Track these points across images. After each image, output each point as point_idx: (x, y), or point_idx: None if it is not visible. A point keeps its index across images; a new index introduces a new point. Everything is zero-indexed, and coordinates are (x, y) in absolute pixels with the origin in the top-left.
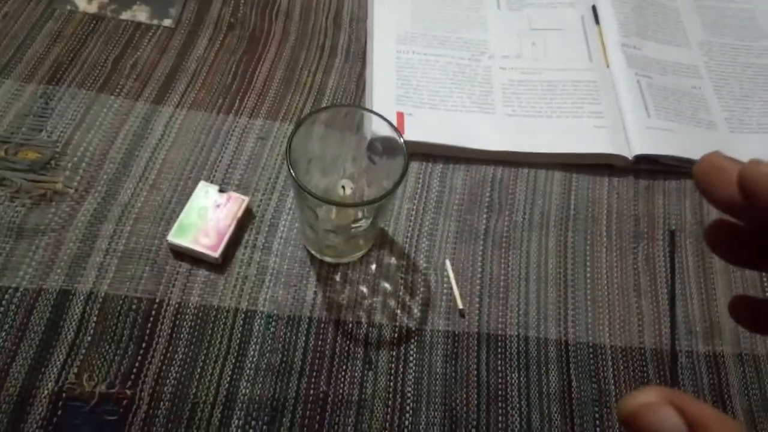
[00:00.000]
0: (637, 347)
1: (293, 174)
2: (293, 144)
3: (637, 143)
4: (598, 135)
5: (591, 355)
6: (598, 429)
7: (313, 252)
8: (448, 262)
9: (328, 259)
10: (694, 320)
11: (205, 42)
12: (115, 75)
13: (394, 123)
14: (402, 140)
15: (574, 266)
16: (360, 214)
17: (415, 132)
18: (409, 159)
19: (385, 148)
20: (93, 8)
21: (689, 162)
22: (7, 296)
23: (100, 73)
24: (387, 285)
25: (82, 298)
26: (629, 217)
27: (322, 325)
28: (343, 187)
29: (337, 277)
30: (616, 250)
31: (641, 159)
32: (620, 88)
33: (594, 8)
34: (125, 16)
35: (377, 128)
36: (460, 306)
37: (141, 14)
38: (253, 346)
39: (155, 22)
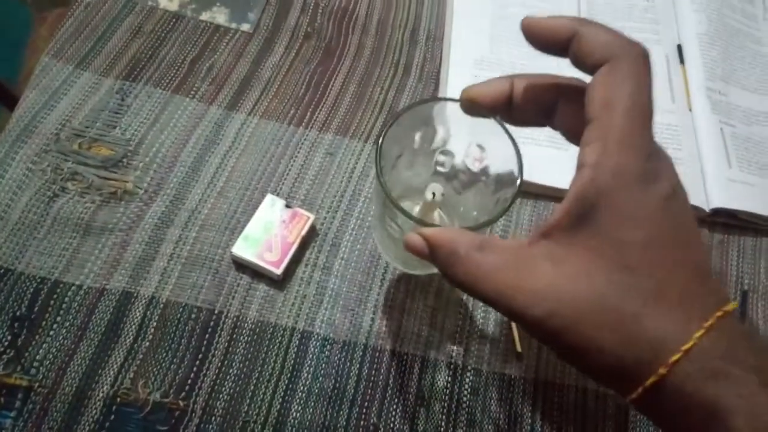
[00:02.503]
0: None
1: (384, 187)
2: (383, 144)
3: (715, 195)
4: None
5: None
6: None
7: (386, 258)
8: None
9: (399, 267)
10: None
11: (281, 50)
12: (191, 77)
13: None
14: (518, 156)
15: None
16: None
17: None
18: (522, 183)
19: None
20: (174, 6)
21: None
22: (70, 293)
23: (177, 73)
24: (446, 319)
25: (143, 301)
26: None
27: (377, 354)
28: (434, 193)
29: (396, 306)
30: None
31: (718, 212)
32: (702, 134)
33: (679, 47)
34: (204, 16)
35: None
36: (519, 349)
37: (220, 16)
38: (307, 369)
39: (234, 25)
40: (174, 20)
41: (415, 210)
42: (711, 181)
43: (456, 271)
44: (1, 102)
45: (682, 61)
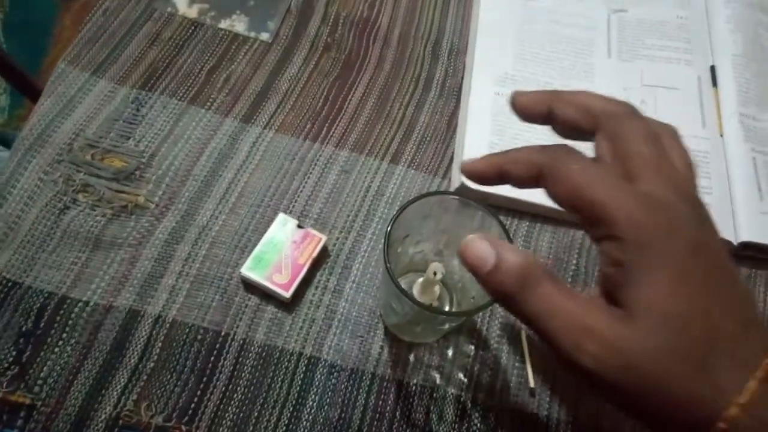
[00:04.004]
0: None
1: (392, 277)
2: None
3: (745, 229)
4: None
5: None
6: None
7: (386, 322)
8: (523, 333)
9: (406, 338)
10: None
11: (300, 61)
12: (207, 87)
13: None
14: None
15: None
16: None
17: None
18: None
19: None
20: (193, 13)
21: None
22: (77, 309)
23: (194, 83)
24: (457, 349)
25: (150, 320)
26: None
27: (385, 384)
28: (435, 272)
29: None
30: None
31: (747, 246)
32: (733, 162)
33: (713, 69)
34: (223, 25)
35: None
36: (532, 384)
37: (239, 25)
38: (313, 396)
39: (252, 35)
40: (192, 28)
41: (418, 282)
42: (740, 213)
43: (527, 298)
44: (24, 93)
45: (715, 83)
